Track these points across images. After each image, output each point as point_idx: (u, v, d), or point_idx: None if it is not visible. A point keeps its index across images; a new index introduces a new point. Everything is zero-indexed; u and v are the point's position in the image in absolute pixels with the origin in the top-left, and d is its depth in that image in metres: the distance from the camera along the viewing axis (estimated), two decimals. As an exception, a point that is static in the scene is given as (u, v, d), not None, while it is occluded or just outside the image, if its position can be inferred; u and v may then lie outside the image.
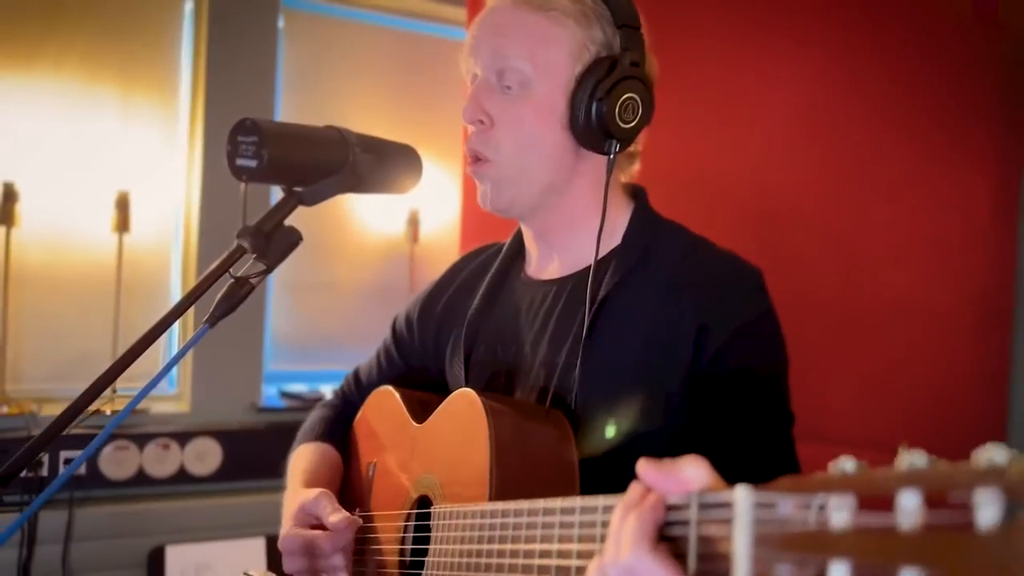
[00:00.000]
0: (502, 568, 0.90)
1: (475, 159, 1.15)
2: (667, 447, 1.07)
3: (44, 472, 2.64)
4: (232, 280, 1.01)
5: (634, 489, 0.70)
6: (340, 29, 3.31)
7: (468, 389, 1.11)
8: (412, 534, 1.16)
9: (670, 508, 0.67)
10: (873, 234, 2.46)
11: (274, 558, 2.84)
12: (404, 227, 3.35)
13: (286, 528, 1.20)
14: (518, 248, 1.31)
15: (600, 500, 0.76)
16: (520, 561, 0.87)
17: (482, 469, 1.01)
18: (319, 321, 3.26)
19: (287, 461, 1.42)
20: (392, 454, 1.27)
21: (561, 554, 0.80)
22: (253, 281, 1.02)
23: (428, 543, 1.10)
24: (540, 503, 0.85)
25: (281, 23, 3.12)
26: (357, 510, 1.28)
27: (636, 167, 1.23)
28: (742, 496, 0.60)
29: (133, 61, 2.97)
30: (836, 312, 2.45)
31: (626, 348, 1.11)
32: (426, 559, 1.08)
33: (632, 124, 1.12)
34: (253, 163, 1.00)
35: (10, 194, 2.68)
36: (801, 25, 2.50)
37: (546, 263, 1.25)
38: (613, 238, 1.18)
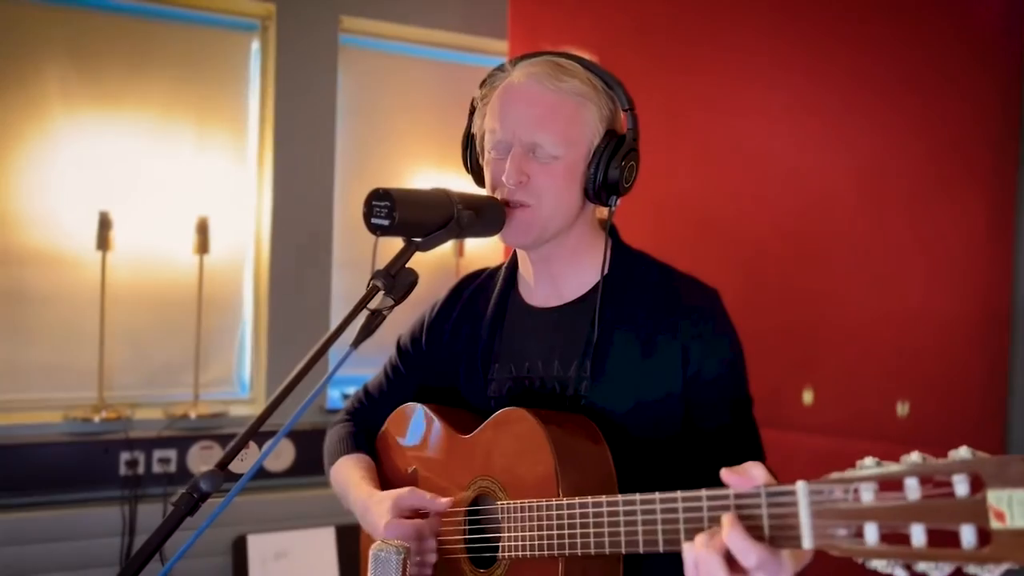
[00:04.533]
0: (587, 545, 1.13)
1: (518, 205, 1.37)
2: (667, 439, 1.34)
3: (140, 471, 2.96)
4: (369, 313, 1.27)
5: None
6: (392, 62, 3.60)
7: (518, 407, 1.30)
8: (472, 527, 1.35)
9: (743, 496, 0.94)
10: (882, 246, 2.72)
11: (343, 545, 3.14)
12: (451, 242, 3.63)
13: (387, 519, 1.38)
14: (512, 276, 1.52)
15: (687, 493, 1.00)
16: (621, 539, 1.08)
17: (548, 470, 1.21)
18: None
19: (329, 472, 1.59)
20: (435, 461, 1.44)
21: (666, 532, 1.02)
22: (385, 313, 1.28)
23: (492, 531, 1.30)
24: (637, 496, 1.07)
25: (339, 58, 3.41)
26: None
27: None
28: (801, 486, 0.88)
29: (207, 97, 3.27)
30: (851, 319, 2.72)
31: (627, 362, 1.34)
32: (500, 544, 1.27)
33: (630, 184, 1.37)
34: (386, 222, 1.27)
35: (105, 222, 2.98)
36: (809, 46, 2.77)
37: (544, 291, 1.45)
38: (600, 269, 1.40)
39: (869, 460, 0.82)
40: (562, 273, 1.43)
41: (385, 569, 1.26)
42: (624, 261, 1.42)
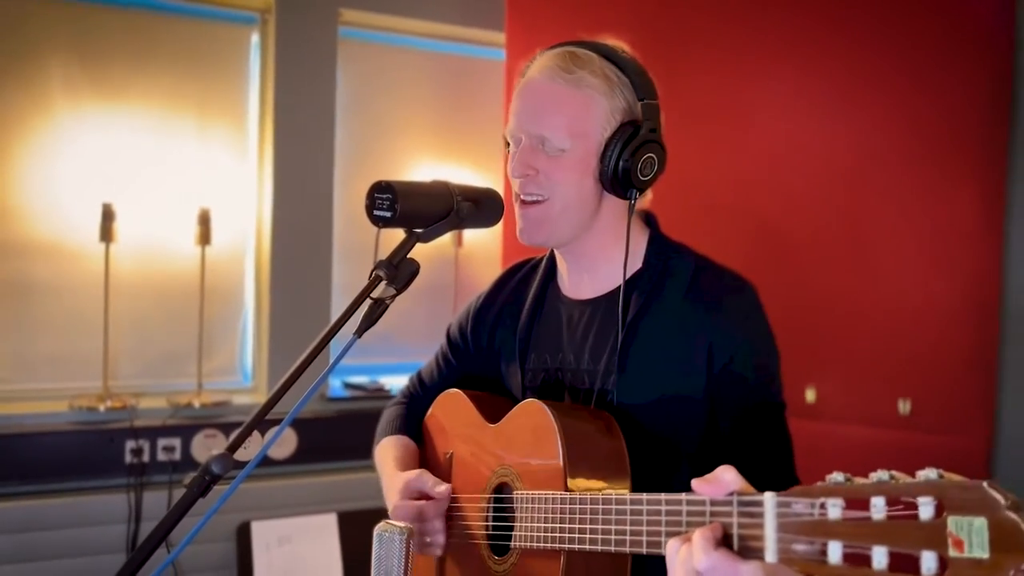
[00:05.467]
0: (584, 541, 1.15)
1: (527, 202, 1.35)
2: (692, 437, 1.34)
3: (146, 459, 3.01)
4: (371, 302, 1.30)
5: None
6: (391, 55, 3.62)
7: (536, 400, 1.31)
8: (493, 513, 1.38)
9: (718, 504, 0.92)
10: (877, 237, 2.77)
11: (345, 531, 3.19)
12: (450, 232, 3.67)
13: (396, 500, 1.42)
14: (552, 268, 1.52)
15: (670, 496, 1.01)
16: (612, 537, 1.10)
17: (556, 463, 1.23)
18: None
19: (374, 451, 1.62)
20: (468, 447, 1.47)
21: (650, 534, 1.03)
22: (387, 302, 1.31)
23: (510, 520, 1.31)
24: (627, 495, 1.09)
25: (338, 51, 3.43)
26: None
27: (649, 196, 1.44)
28: (768, 498, 0.86)
29: (208, 90, 3.30)
30: (845, 307, 2.77)
31: (655, 358, 1.32)
32: (513, 532, 1.29)
33: (649, 177, 1.34)
34: (388, 214, 1.30)
35: (108, 214, 3.01)
36: (807, 40, 2.81)
37: (578, 284, 1.45)
38: (635, 261, 1.38)
39: (838, 475, 0.80)
40: (592, 266, 1.42)
41: (388, 549, 1.31)
42: (659, 253, 1.40)
